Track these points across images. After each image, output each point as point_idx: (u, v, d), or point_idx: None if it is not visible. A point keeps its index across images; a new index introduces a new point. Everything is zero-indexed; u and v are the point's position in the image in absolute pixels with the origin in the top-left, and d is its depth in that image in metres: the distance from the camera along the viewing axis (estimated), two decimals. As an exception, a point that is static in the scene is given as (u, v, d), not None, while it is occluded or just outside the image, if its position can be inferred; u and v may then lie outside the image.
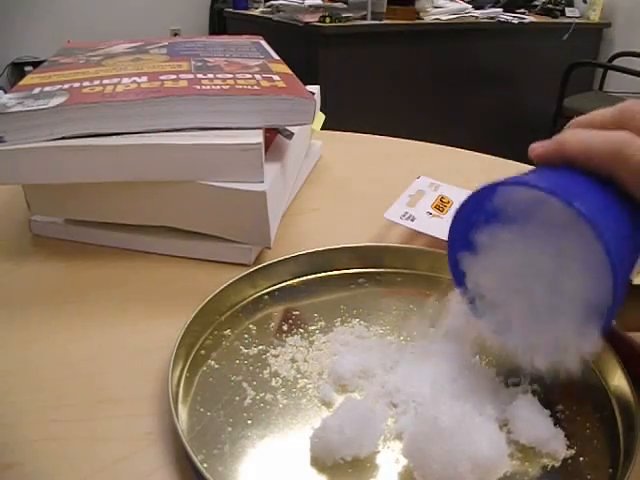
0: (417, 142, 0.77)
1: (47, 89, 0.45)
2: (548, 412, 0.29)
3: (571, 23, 2.86)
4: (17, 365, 0.34)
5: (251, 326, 0.37)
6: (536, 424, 0.28)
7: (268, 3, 2.43)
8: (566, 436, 0.28)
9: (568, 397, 0.31)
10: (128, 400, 0.32)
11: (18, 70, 2.88)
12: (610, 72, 2.87)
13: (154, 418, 0.30)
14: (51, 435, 0.29)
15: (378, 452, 0.28)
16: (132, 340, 0.37)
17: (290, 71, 0.52)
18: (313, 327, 0.37)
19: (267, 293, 0.41)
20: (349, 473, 0.27)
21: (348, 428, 0.27)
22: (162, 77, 0.47)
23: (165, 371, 0.31)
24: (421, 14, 2.40)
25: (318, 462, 0.27)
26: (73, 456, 0.28)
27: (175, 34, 3.35)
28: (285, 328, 0.37)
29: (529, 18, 2.78)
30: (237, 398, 0.31)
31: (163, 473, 0.27)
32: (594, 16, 3.04)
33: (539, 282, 0.29)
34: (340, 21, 2.14)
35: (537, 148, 0.30)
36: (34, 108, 0.42)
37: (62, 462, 0.28)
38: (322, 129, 0.66)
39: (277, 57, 0.57)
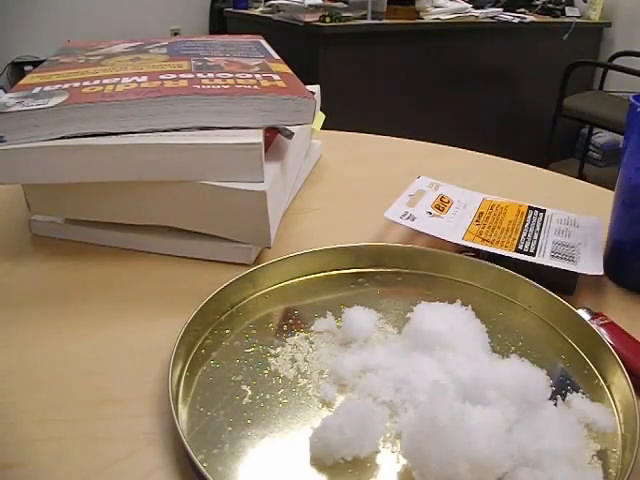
0: (417, 142, 0.77)
1: (47, 88, 0.45)
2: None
3: (571, 23, 2.86)
4: (17, 365, 0.34)
5: (251, 326, 0.37)
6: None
7: (268, 2, 2.43)
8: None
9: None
10: (128, 400, 0.32)
11: (18, 70, 2.88)
12: (610, 72, 2.87)
13: (154, 418, 0.30)
14: (51, 435, 0.29)
15: (378, 452, 0.28)
16: (132, 340, 0.37)
17: (290, 71, 0.52)
18: (313, 327, 0.37)
19: (267, 293, 0.41)
20: (349, 473, 0.27)
21: (348, 428, 0.27)
22: (162, 77, 0.47)
23: (165, 371, 0.31)
24: (421, 14, 2.40)
25: (318, 462, 0.27)
26: (73, 456, 0.28)
27: (175, 34, 3.35)
28: (285, 328, 0.37)
29: (529, 18, 2.78)
30: (237, 398, 0.31)
31: (163, 473, 0.27)
32: (594, 16, 3.04)
33: None
34: (340, 21, 2.14)
35: None
36: (34, 107, 0.42)
37: (62, 462, 0.28)
38: (322, 129, 0.66)
39: (277, 57, 0.57)
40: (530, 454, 0.26)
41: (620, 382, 0.31)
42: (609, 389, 0.32)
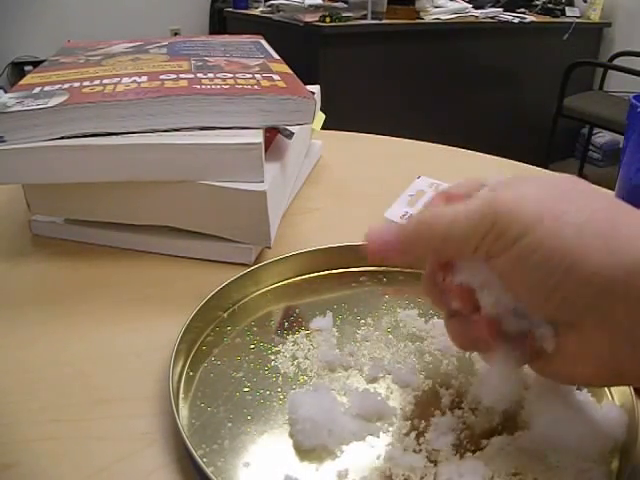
0: (417, 142, 0.77)
1: (47, 89, 0.45)
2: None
3: (571, 23, 2.86)
4: (17, 365, 0.34)
5: (252, 323, 0.37)
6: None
7: (268, 2, 2.43)
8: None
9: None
10: (128, 400, 0.32)
11: (18, 70, 2.88)
12: (610, 72, 2.87)
13: (154, 418, 0.30)
14: (51, 435, 0.29)
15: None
16: (132, 339, 0.37)
17: (290, 71, 0.52)
18: (314, 325, 0.37)
19: (269, 290, 0.41)
20: (349, 466, 0.27)
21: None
22: (162, 77, 0.47)
23: (165, 370, 0.31)
24: (421, 14, 2.40)
25: (318, 457, 0.27)
26: (73, 456, 0.28)
27: (175, 34, 3.35)
28: (286, 325, 0.37)
29: (529, 18, 2.78)
30: (237, 394, 0.31)
31: (163, 472, 0.27)
32: (594, 16, 3.04)
33: None
34: (340, 21, 2.14)
35: None
36: (34, 107, 0.42)
37: (62, 462, 0.28)
38: (322, 129, 0.66)
39: (277, 57, 0.57)
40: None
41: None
42: (609, 390, 0.32)
